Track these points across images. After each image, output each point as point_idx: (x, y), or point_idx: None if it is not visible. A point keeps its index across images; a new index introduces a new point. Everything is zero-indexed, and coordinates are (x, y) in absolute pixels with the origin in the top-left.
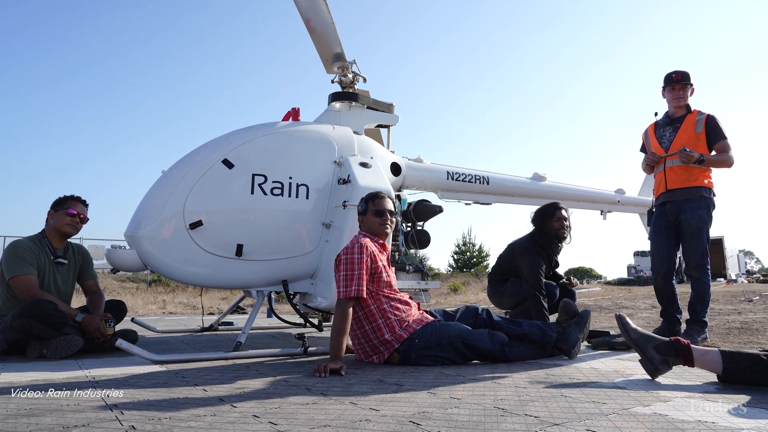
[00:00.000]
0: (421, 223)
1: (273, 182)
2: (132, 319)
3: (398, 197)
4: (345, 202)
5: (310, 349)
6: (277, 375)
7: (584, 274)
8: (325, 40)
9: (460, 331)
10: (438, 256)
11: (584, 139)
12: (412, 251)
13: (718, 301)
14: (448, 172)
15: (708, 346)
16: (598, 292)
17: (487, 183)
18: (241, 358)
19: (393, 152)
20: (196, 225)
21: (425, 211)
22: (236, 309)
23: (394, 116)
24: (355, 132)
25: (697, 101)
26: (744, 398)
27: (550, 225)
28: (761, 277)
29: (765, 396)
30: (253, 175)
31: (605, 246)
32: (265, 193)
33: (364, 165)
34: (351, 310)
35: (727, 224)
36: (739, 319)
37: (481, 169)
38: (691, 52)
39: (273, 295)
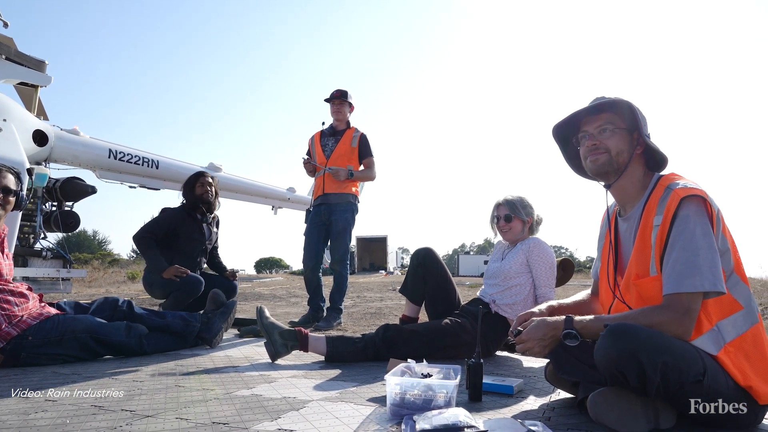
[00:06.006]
0: (69, 204)
1: None
2: None
3: (30, 171)
4: None
5: None
6: None
7: (273, 263)
8: None
9: (89, 325)
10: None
11: (262, 135)
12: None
13: (372, 290)
14: (110, 150)
15: (339, 330)
16: (279, 282)
17: (157, 167)
18: None
19: (43, 118)
20: None
21: (75, 190)
22: None
23: (46, 76)
24: None
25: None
26: (335, 372)
27: (194, 192)
28: None
29: (355, 370)
30: None
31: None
32: None
33: None
34: None
35: (390, 226)
36: (377, 305)
37: (152, 152)
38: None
39: None
